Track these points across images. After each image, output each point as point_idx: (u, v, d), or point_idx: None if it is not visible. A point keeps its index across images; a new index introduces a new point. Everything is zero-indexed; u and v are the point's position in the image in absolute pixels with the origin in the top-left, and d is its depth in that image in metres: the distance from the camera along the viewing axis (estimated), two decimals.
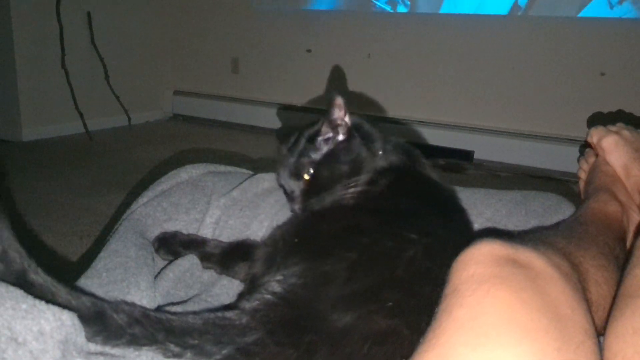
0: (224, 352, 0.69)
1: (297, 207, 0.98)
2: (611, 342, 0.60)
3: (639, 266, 0.67)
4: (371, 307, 0.73)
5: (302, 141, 1.01)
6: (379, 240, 0.78)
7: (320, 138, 0.99)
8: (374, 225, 0.82)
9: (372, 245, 0.78)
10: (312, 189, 0.97)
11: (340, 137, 0.98)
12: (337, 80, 4.11)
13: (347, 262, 0.76)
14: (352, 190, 0.95)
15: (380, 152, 1.01)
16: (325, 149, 0.98)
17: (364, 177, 0.97)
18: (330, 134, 0.98)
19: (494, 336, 0.56)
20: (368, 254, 0.77)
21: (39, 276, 0.68)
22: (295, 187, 0.99)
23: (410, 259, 0.75)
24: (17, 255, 0.68)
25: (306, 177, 0.97)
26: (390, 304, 0.71)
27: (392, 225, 0.81)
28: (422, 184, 0.99)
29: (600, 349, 0.60)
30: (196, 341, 0.68)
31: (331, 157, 0.97)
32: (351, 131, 0.99)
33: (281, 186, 1.04)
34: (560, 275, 0.64)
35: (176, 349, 0.68)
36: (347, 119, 0.98)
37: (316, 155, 0.98)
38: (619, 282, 0.69)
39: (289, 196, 1.01)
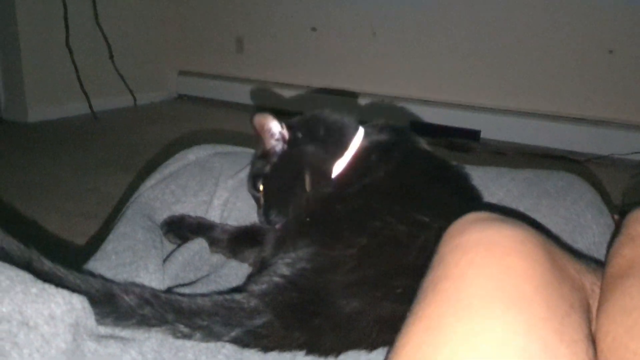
0: (233, 333, 0.70)
1: (262, 219, 0.99)
2: (602, 322, 0.60)
3: (627, 246, 0.66)
4: (379, 293, 0.72)
5: (255, 158, 1.05)
6: (391, 224, 0.78)
7: (267, 151, 1.00)
8: (387, 207, 0.81)
9: (383, 230, 0.78)
10: (269, 200, 0.98)
11: (282, 147, 0.99)
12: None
13: (357, 248, 0.75)
14: (320, 190, 0.94)
15: (362, 131, 1.00)
16: (273, 161, 0.99)
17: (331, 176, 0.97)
18: (276, 147, 0.99)
19: (479, 307, 0.56)
20: (379, 238, 0.77)
21: (43, 264, 0.68)
22: (258, 198, 1.01)
23: (422, 244, 0.74)
24: (16, 249, 0.68)
25: (261, 189, 0.99)
26: (399, 290, 0.71)
27: (405, 207, 0.81)
28: (429, 161, 0.98)
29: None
30: (205, 322, 0.69)
31: (276, 169, 0.98)
32: (295, 137, 0.99)
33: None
34: (551, 245, 0.64)
35: (185, 330, 0.69)
36: (283, 130, 0.98)
37: (264, 169, 0.99)
38: (606, 263, 0.68)
39: (257, 209, 1.03)
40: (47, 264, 0.69)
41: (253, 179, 1.01)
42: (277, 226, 0.95)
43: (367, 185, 0.90)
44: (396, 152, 0.96)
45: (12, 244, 0.68)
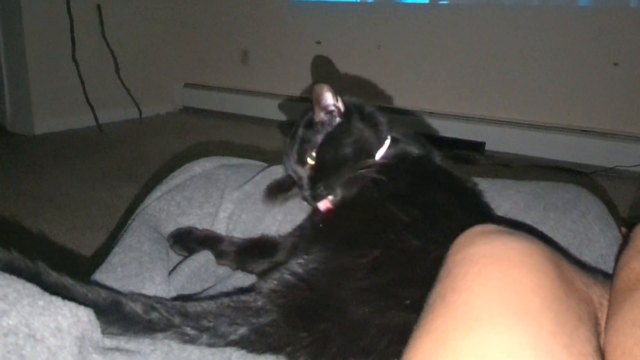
0: (240, 332, 0.70)
1: (306, 193, 0.97)
2: (611, 335, 0.59)
3: (635, 259, 0.66)
4: (389, 302, 0.72)
5: (301, 129, 1.01)
6: (405, 238, 0.78)
7: (317, 122, 0.98)
8: (403, 221, 0.81)
9: (397, 243, 0.78)
10: (318, 173, 0.96)
11: (337, 119, 0.98)
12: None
13: (370, 258, 0.76)
14: (365, 171, 0.94)
15: (389, 136, 1.00)
16: (324, 131, 0.97)
17: (376, 160, 0.96)
18: (326, 118, 0.98)
19: (486, 320, 0.56)
20: (392, 251, 0.77)
21: (51, 276, 0.69)
22: (302, 173, 0.98)
23: (435, 259, 0.74)
24: (23, 263, 0.68)
25: (310, 161, 0.97)
26: (408, 301, 0.71)
27: (422, 223, 0.81)
28: (449, 178, 0.98)
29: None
30: (211, 323, 0.70)
31: (332, 138, 0.96)
32: (348, 113, 0.98)
33: (290, 175, 1.04)
34: (559, 258, 0.63)
35: (192, 332, 0.69)
36: (339, 103, 0.98)
37: (316, 139, 0.97)
38: (614, 276, 0.68)
39: (299, 184, 1.00)
40: (55, 276, 0.69)
41: (301, 150, 0.99)
42: (324, 205, 0.94)
43: (385, 196, 0.90)
44: (419, 166, 0.96)
45: (19, 260, 0.69)
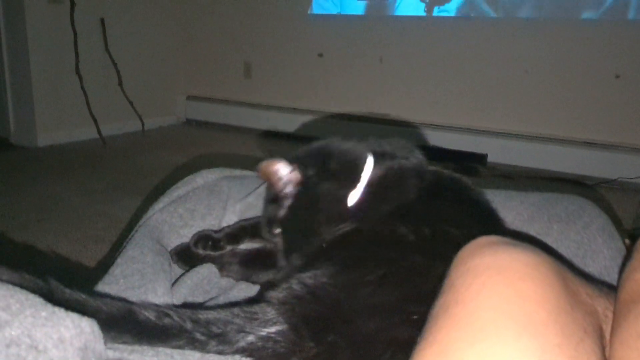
0: (248, 339, 0.70)
1: (282, 262, 0.96)
2: (616, 348, 0.59)
3: (639, 271, 0.66)
4: (396, 317, 0.72)
5: (265, 203, 1.00)
6: (409, 257, 0.78)
7: (278, 196, 0.96)
8: (407, 239, 0.81)
9: (401, 262, 0.78)
10: (289, 244, 0.95)
11: (295, 190, 0.94)
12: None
13: (375, 276, 0.76)
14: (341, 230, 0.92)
15: (370, 156, 0.97)
16: (286, 204, 0.95)
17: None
18: (288, 190, 0.95)
19: (491, 331, 0.55)
20: (397, 269, 0.77)
21: (64, 293, 0.69)
22: (275, 243, 0.97)
23: (441, 275, 0.73)
24: (33, 284, 0.68)
25: (277, 233, 0.96)
26: (416, 317, 0.71)
27: (427, 239, 0.81)
28: (446, 187, 0.97)
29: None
30: (220, 330, 0.70)
31: (293, 211, 0.94)
32: (307, 177, 0.94)
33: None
34: (563, 270, 0.63)
35: (202, 338, 0.69)
36: (294, 172, 0.93)
37: (279, 214, 0.95)
38: (618, 288, 0.67)
39: (276, 250, 0.99)
40: (67, 292, 0.69)
41: (268, 225, 0.97)
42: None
43: (383, 216, 0.89)
44: (410, 180, 0.95)
45: (29, 281, 0.69)
